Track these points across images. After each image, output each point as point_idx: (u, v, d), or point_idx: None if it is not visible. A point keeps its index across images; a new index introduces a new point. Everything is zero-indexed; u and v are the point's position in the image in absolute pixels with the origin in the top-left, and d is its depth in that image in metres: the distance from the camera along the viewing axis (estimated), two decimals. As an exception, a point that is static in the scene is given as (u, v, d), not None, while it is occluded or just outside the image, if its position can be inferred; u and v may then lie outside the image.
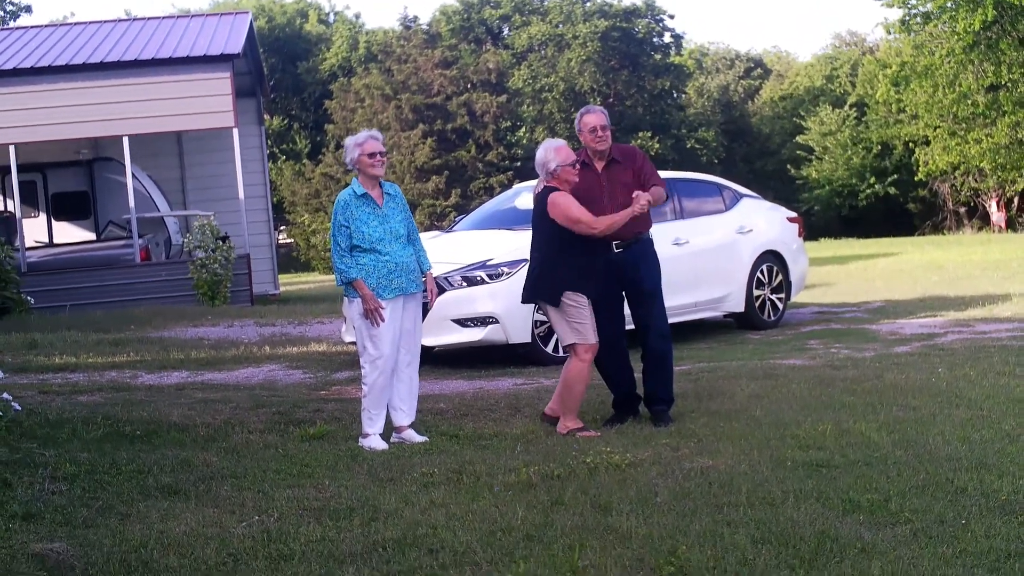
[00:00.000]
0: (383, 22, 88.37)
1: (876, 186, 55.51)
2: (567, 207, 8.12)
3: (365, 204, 8.02)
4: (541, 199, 8.29)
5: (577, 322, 8.23)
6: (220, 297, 21.51)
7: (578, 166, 8.29)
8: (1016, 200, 52.47)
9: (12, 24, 48.45)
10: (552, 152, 8.24)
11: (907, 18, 38.54)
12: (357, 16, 68.64)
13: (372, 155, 8.04)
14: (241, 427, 8.55)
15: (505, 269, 11.82)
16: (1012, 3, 33.56)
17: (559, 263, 8.22)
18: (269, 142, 49.54)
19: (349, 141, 8.20)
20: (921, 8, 38.09)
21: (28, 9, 52.96)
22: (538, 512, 6.00)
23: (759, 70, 68.92)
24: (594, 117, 8.60)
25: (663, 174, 10.77)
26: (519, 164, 46.98)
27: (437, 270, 11.42)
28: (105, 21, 28.05)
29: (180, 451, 7.69)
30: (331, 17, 67.40)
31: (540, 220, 8.30)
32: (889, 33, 41.88)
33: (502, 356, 12.14)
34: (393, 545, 5.49)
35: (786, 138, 60.81)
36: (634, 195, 8.25)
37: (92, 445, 7.83)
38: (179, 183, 27.13)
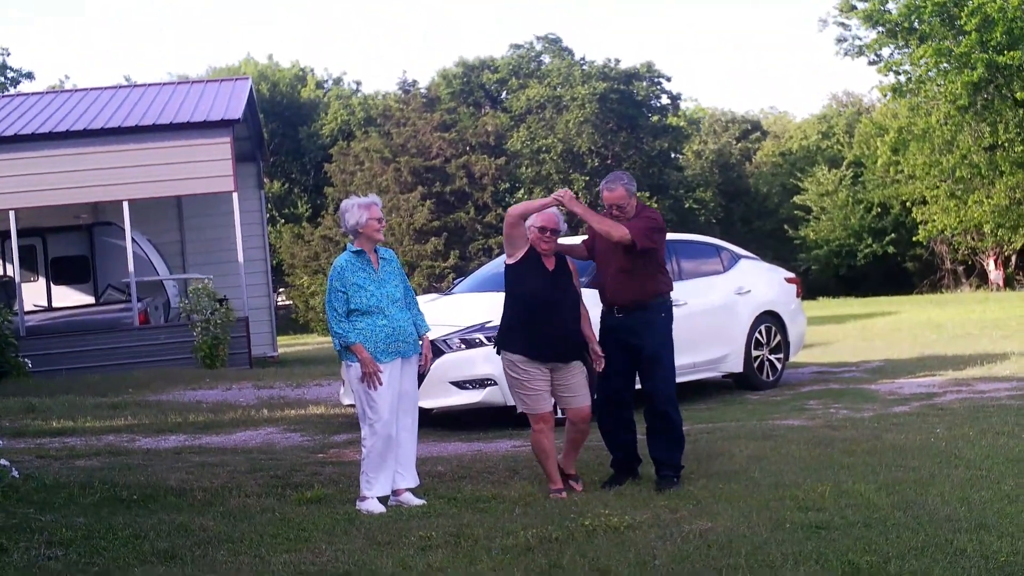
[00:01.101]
0: (381, 86, 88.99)
1: (874, 246, 55.61)
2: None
3: (362, 268, 8.03)
4: None
5: (523, 392, 8.28)
6: (218, 360, 21.51)
7: (549, 234, 8.30)
8: (1014, 259, 52.53)
9: (13, 90, 48.77)
10: (534, 216, 8.40)
11: (900, 85, 38.76)
12: (358, 83, 68.80)
13: (380, 220, 8.07)
14: (238, 491, 8.52)
15: (503, 331, 11.82)
16: (1005, 64, 33.80)
17: (509, 318, 8.40)
18: (269, 206, 49.69)
19: (351, 203, 8.14)
20: (914, 73, 38.33)
21: (30, 76, 53.32)
22: (536, 576, 5.98)
23: (757, 132, 69.17)
24: (613, 196, 8.58)
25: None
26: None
27: (436, 332, 11.43)
28: (106, 88, 28.28)
29: (177, 516, 7.66)
30: (328, 83, 67.74)
31: None
32: (885, 95, 42.12)
33: (500, 418, 12.12)
34: (390, 610, 5.46)
35: (784, 198, 60.93)
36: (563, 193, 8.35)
37: (89, 510, 7.80)
38: (179, 246, 27.23)
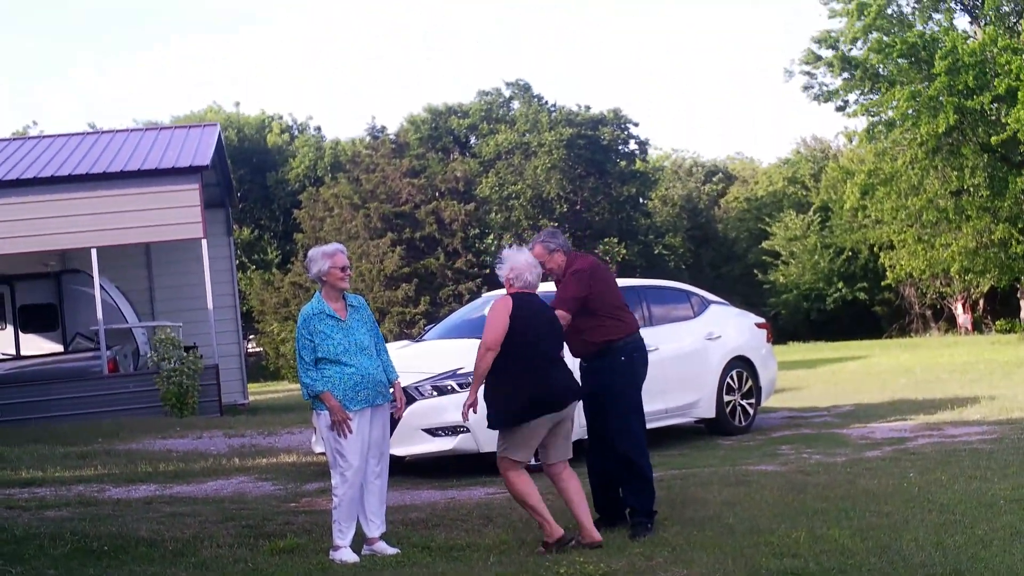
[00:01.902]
0: (348, 132, 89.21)
1: (844, 290, 55.86)
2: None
3: (329, 316, 8.04)
4: None
5: None
6: (188, 408, 21.38)
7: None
8: (981, 302, 52.90)
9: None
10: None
11: (871, 127, 39.06)
12: (318, 129, 68.76)
13: (344, 268, 8.07)
14: (210, 541, 8.45)
15: (475, 378, 11.80)
16: (972, 108, 34.15)
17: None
18: (239, 252, 49.62)
19: (316, 252, 8.19)
20: (884, 116, 38.66)
21: (-7, 121, 53.07)
22: (512, 625, 5.94)
23: (721, 174, 69.65)
24: (534, 254, 8.54)
25: (627, 282, 10.83)
26: (488, 271, 47.08)
27: (407, 379, 11.40)
28: (73, 134, 28.24)
29: (148, 567, 7.60)
30: (294, 130, 67.84)
31: None
32: (851, 141, 42.47)
33: (473, 465, 12.07)
34: (366, 661, 5.41)
35: (752, 243, 61.28)
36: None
37: (59, 562, 7.73)
38: (148, 293, 27.14)
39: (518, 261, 8.21)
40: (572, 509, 8.02)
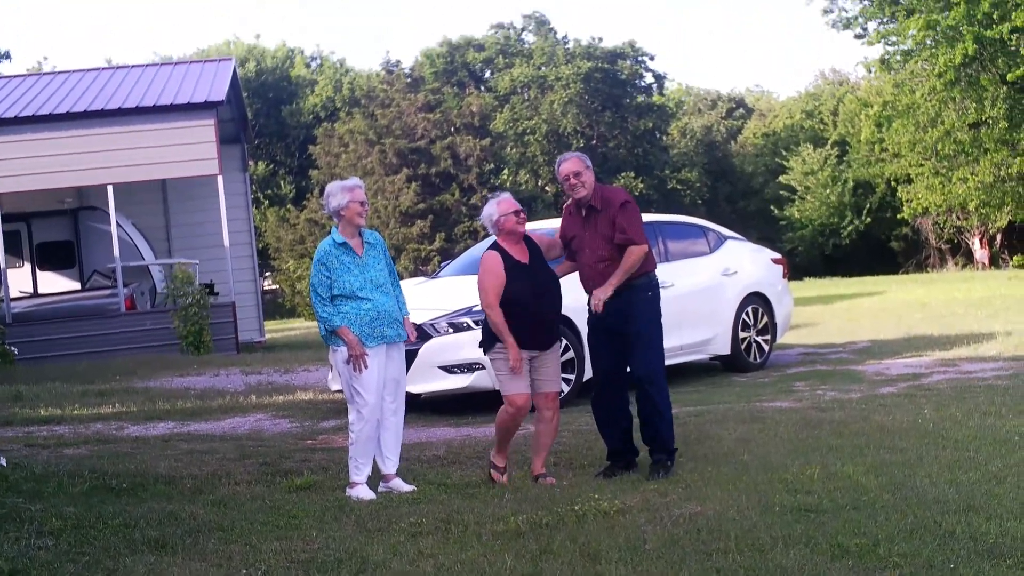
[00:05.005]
0: (366, 66, 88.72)
1: (856, 222, 55.62)
2: (483, 275, 8.25)
3: (345, 253, 8.01)
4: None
5: (502, 374, 8.18)
6: (205, 346, 21.47)
7: (523, 215, 8.20)
8: (999, 237, 52.67)
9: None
10: (494, 205, 8.24)
11: (887, 56, 38.79)
12: (342, 62, 68.47)
13: (363, 203, 8.04)
14: (228, 478, 8.52)
15: (491, 315, 11.79)
16: (991, 38, 33.79)
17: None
18: (254, 187, 49.56)
19: (335, 186, 8.12)
20: (902, 46, 38.38)
21: (7, 56, 52.73)
22: (527, 561, 5.98)
23: (741, 110, 69.21)
24: (568, 165, 8.34)
25: (648, 217, 10.74)
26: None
27: (423, 316, 11.47)
28: (88, 70, 28.17)
29: (167, 504, 7.65)
30: (314, 64, 67.59)
31: None
32: (870, 71, 42.18)
33: (489, 403, 12.10)
34: (382, 598, 5.46)
35: (768, 178, 60.94)
36: (594, 294, 8.20)
37: (78, 499, 7.79)
38: (164, 231, 27.12)
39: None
40: None
